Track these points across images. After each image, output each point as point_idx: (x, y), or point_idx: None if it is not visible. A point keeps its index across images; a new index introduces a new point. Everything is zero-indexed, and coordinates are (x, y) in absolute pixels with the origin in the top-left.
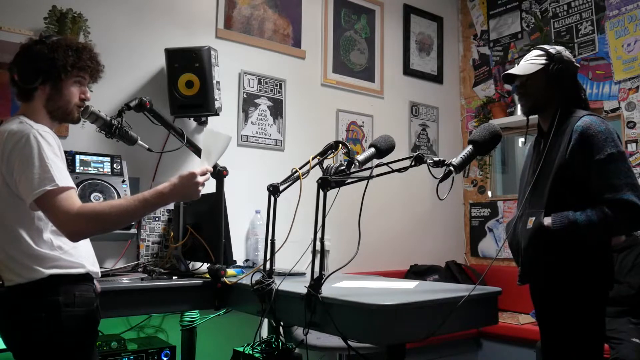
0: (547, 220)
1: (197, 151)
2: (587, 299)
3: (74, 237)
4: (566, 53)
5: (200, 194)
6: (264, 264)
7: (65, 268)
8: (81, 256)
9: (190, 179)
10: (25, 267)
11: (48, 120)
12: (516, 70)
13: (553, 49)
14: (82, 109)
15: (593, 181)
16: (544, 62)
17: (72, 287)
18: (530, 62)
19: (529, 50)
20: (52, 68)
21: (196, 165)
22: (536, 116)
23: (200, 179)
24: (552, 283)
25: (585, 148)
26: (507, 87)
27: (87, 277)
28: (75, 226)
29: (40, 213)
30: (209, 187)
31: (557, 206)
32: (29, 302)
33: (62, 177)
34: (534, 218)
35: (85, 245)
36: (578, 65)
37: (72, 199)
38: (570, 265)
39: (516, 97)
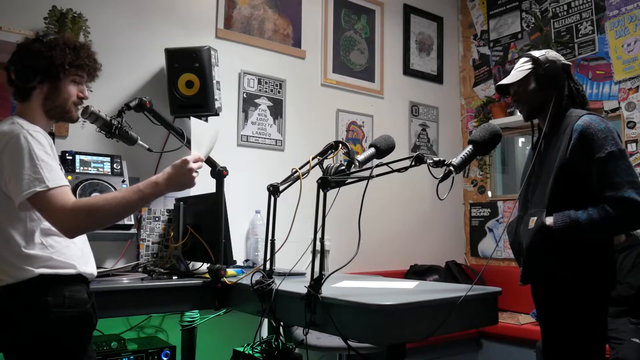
0: (549, 220)
1: None
2: (588, 299)
3: (71, 233)
4: (551, 53)
5: (195, 181)
6: (264, 264)
7: (55, 268)
8: (73, 256)
9: (182, 166)
10: (16, 267)
11: (45, 119)
12: (506, 80)
13: (538, 52)
14: (82, 108)
15: (594, 180)
16: (530, 66)
17: (62, 287)
18: (518, 70)
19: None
20: (50, 66)
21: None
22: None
23: (193, 165)
24: (553, 282)
25: (585, 147)
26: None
27: (78, 278)
28: (70, 222)
29: (31, 213)
30: (209, 187)
31: (558, 206)
32: (18, 303)
33: (53, 177)
34: (535, 218)
35: (80, 245)
36: (567, 62)
37: (66, 196)
38: (572, 264)
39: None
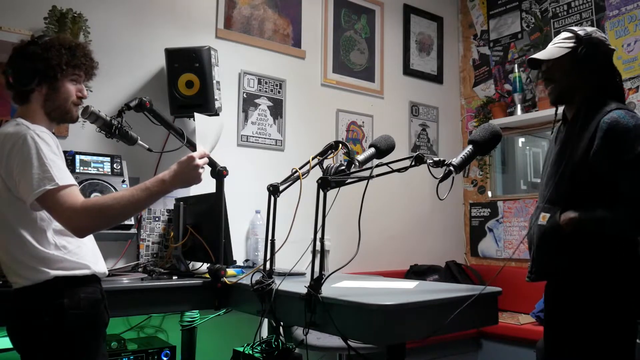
0: (572, 213)
1: None
2: (613, 303)
3: (80, 233)
4: (598, 34)
5: (201, 177)
6: (264, 264)
7: (70, 270)
8: (86, 256)
9: (189, 163)
10: (31, 268)
11: (46, 121)
12: (541, 54)
13: (583, 30)
14: (82, 108)
15: (620, 182)
16: (571, 45)
17: (78, 289)
18: (557, 46)
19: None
20: (47, 68)
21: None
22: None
23: (199, 161)
24: (571, 283)
25: (612, 147)
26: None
27: (92, 279)
28: (80, 221)
29: (42, 213)
30: (209, 187)
31: (575, 203)
32: (35, 305)
33: (62, 176)
34: (548, 215)
35: (90, 244)
36: (613, 48)
37: (75, 195)
38: (592, 263)
39: (538, 87)
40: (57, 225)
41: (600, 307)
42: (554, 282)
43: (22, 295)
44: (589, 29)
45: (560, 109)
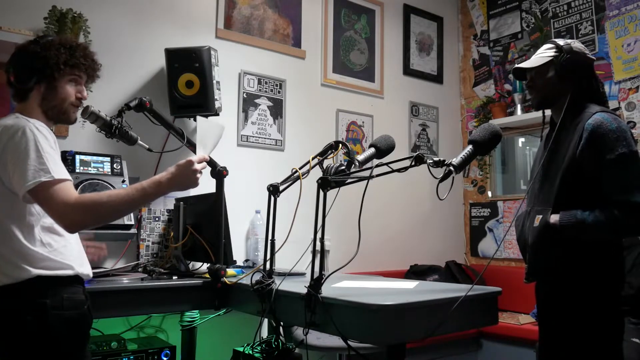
0: (554, 218)
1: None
2: (597, 303)
3: (72, 228)
4: (577, 44)
5: (199, 181)
6: (264, 264)
7: (53, 269)
8: (71, 256)
9: (187, 167)
10: (14, 265)
11: (44, 119)
12: (525, 63)
13: (563, 41)
14: (82, 109)
15: (603, 181)
16: (552, 54)
17: (61, 289)
18: (539, 56)
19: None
20: (45, 67)
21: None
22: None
23: (197, 166)
24: (559, 282)
25: (595, 147)
26: (511, 82)
27: (76, 279)
28: (73, 216)
29: (32, 208)
30: (209, 187)
31: (565, 204)
32: (16, 304)
33: (58, 170)
34: (540, 216)
35: (77, 246)
36: (592, 57)
37: (69, 190)
38: (579, 263)
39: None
40: (45, 222)
41: (588, 307)
42: (544, 282)
43: (3, 294)
44: (569, 40)
45: (548, 112)
